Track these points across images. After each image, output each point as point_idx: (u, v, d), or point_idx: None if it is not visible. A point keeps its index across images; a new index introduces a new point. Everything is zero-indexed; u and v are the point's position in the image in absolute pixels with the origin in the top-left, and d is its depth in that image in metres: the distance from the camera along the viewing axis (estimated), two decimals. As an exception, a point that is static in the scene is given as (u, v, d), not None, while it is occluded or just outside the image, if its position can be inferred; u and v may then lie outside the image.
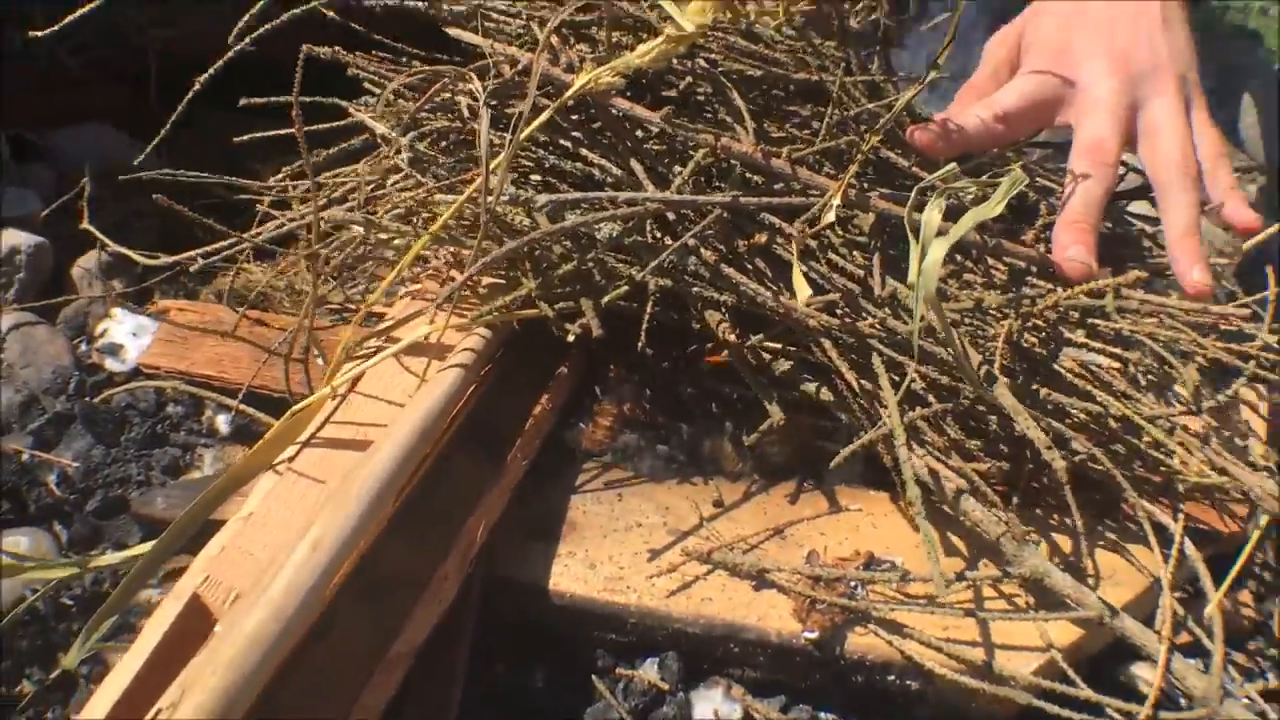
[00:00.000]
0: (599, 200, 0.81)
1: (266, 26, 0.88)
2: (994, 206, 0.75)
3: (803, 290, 0.76)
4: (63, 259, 1.16)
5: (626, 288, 0.81)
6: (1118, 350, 0.84)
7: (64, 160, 1.25)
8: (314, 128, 0.91)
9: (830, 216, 0.79)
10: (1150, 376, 0.86)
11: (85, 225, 1.03)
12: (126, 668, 0.67)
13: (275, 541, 0.71)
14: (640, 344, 0.79)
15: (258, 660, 0.59)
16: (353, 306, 1.03)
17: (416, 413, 0.75)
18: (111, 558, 0.84)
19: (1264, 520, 0.85)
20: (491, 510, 0.80)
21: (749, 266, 0.83)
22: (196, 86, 0.90)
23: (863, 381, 0.81)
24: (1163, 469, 0.83)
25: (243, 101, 0.94)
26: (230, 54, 0.88)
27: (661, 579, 0.81)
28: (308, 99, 0.82)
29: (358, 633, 0.69)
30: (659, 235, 0.84)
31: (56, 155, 1.26)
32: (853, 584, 0.80)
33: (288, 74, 0.94)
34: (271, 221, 0.96)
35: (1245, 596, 0.90)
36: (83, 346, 1.09)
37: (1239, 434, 0.90)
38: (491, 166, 0.75)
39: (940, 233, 0.73)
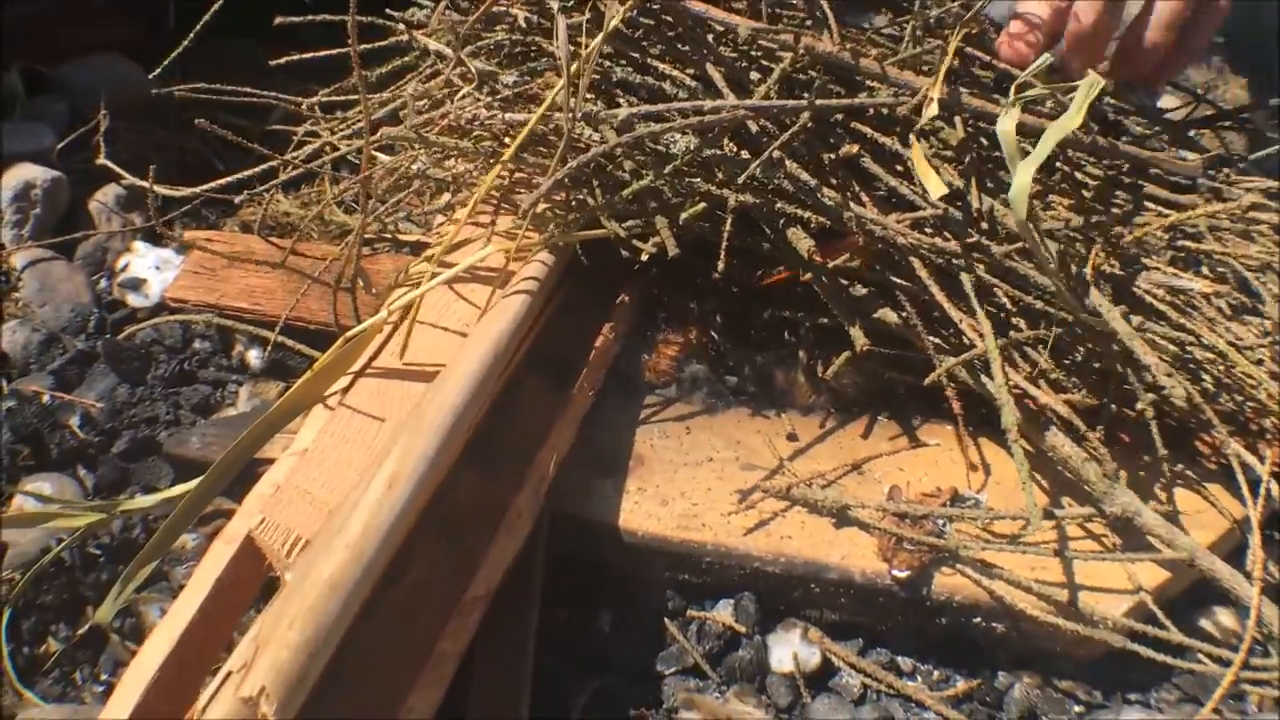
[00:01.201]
0: (678, 112, 0.71)
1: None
2: (1074, 117, 0.66)
3: (936, 185, 0.67)
4: (79, 193, 1.06)
5: (704, 204, 0.71)
6: (1207, 276, 0.76)
7: (77, 93, 1.14)
8: (349, 49, 0.81)
9: (933, 109, 0.70)
10: (1230, 305, 0.79)
11: (101, 160, 0.93)
12: (177, 617, 0.58)
13: (336, 479, 0.62)
14: (720, 264, 0.70)
15: (338, 608, 0.50)
16: (388, 236, 0.93)
17: (486, 340, 0.66)
18: (144, 501, 0.75)
19: None
20: (562, 442, 0.71)
21: (834, 181, 0.74)
22: (212, 10, 0.80)
23: (954, 303, 0.72)
24: (1250, 404, 0.75)
25: (278, 21, 0.83)
26: None
27: (738, 516, 0.73)
28: (338, 18, 0.73)
29: (433, 574, 0.60)
30: (736, 150, 0.74)
31: (69, 87, 1.15)
32: (939, 521, 0.72)
33: (304, 6, 0.84)
34: (309, 145, 0.85)
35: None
36: (103, 282, 0.99)
37: None
38: (570, 74, 0.65)
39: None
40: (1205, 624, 0.75)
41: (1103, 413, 0.77)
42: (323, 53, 0.86)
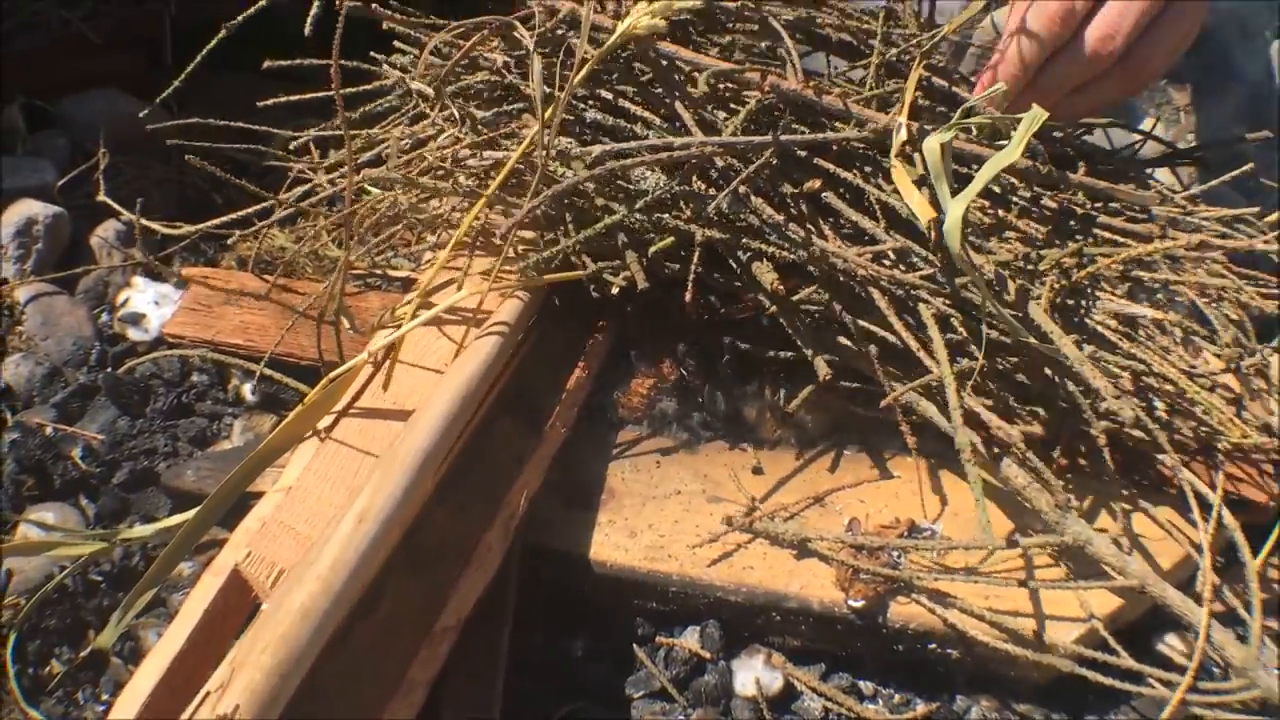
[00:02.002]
0: (649, 149, 0.78)
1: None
2: (1013, 151, 0.72)
3: (924, 209, 0.73)
4: (80, 228, 1.13)
5: (673, 239, 0.78)
6: (1159, 305, 0.82)
7: (77, 128, 1.22)
8: (344, 91, 0.89)
9: (903, 135, 0.76)
10: (1184, 333, 0.84)
11: (102, 198, 1.00)
12: (168, 645, 0.65)
13: (317, 515, 0.69)
14: (687, 295, 0.77)
15: (309, 635, 0.57)
16: (379, 272, 1.00)
17: (457, 381, 0.73)
18: (142, 530, 0.82)
19: None
20: (532, 479, 0.78)
21: (795, 212, 0.81)
22: (211, 45, 0.87)
23: (911, 333, 0.78)
24: (1204, 430, 0.81)
25: (266, 64, 0.91)
26: (246, 14, 0.85)
27: (703, 547, 0.79)
28: (324, 62, 0.79)
29: (404, 606, 0.67)
30: (704, 187, 0.81)
31: (70, 123, 1.23)
32: (895, 552, 0.78)
33: (301, 38, 0.91)
34: (300, 185, 0.93)
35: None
36: (104, 317, 1.07)
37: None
38: (545, 116, 0.72)
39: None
40: (1164, 649, 0.81)
41: (1059, 441, 0.82)
42: (309, 95, 0.93)
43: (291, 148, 0.96)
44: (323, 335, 0.88)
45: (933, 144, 0.74)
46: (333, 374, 0.78)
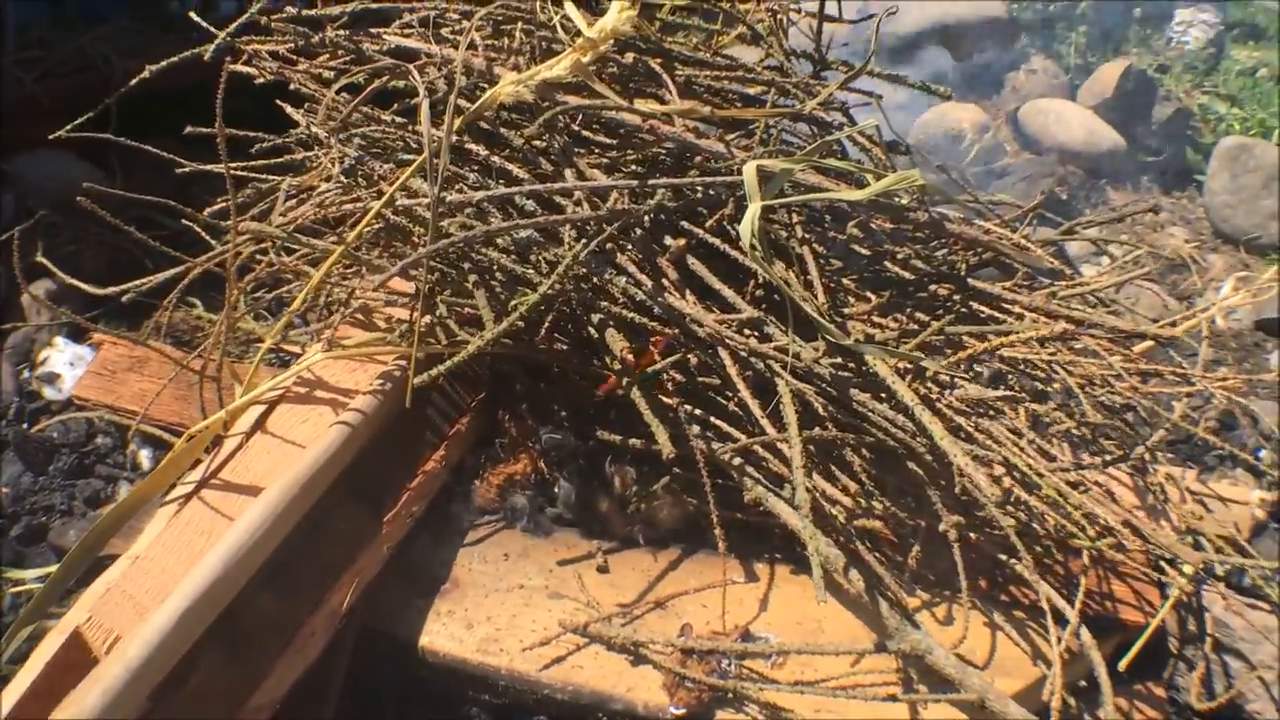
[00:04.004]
0: (530, 194, 0.89)
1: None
2: (865, 192, 0.83)
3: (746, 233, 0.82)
4: (14, 286, 1.25)
5: (536, 296, 0.85)
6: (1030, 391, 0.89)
7: (25, 186, 1.34)
8: (265, 162, 1.04)
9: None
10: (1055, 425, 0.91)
11: (39, 258, 1.11)
12: (11, 693, 0.75)
13: (159, 586, 0.78)
14: (539, 336, 0.87)
15: (99, 703, 0.68)
16: (287, 348, 1.10)
17: (301, 466, 0.82)
18: (23, 573, 0.94)
19: (1174, 592, 0.89)
20: (367, 568, 0.87)
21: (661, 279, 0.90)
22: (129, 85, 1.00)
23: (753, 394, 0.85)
24: (1063, 531, 0.86)
25: (188, 130, 1.02)
26: (135, 81, 1.02)
27: (536, 646, 0.87)
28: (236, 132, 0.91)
29: (215, 682, 0.76)
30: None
31: (17, 181, 1.35)
32: (725, 660, 0.85)
33: (248, 110, 1.02)
34: (204, 254, 1.03)
35: (1160, 690, 0.94)
36: (26, 373, 1.18)
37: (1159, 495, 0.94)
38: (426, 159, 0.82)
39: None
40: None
41: (910, 540, 0.89)
42: (209, 166, 1.04)
43: (205, 215, 1.06)
44: (210, 399, 0.97)
45: (750, 168, 0.83)
46: (191, 430, 0.88)
